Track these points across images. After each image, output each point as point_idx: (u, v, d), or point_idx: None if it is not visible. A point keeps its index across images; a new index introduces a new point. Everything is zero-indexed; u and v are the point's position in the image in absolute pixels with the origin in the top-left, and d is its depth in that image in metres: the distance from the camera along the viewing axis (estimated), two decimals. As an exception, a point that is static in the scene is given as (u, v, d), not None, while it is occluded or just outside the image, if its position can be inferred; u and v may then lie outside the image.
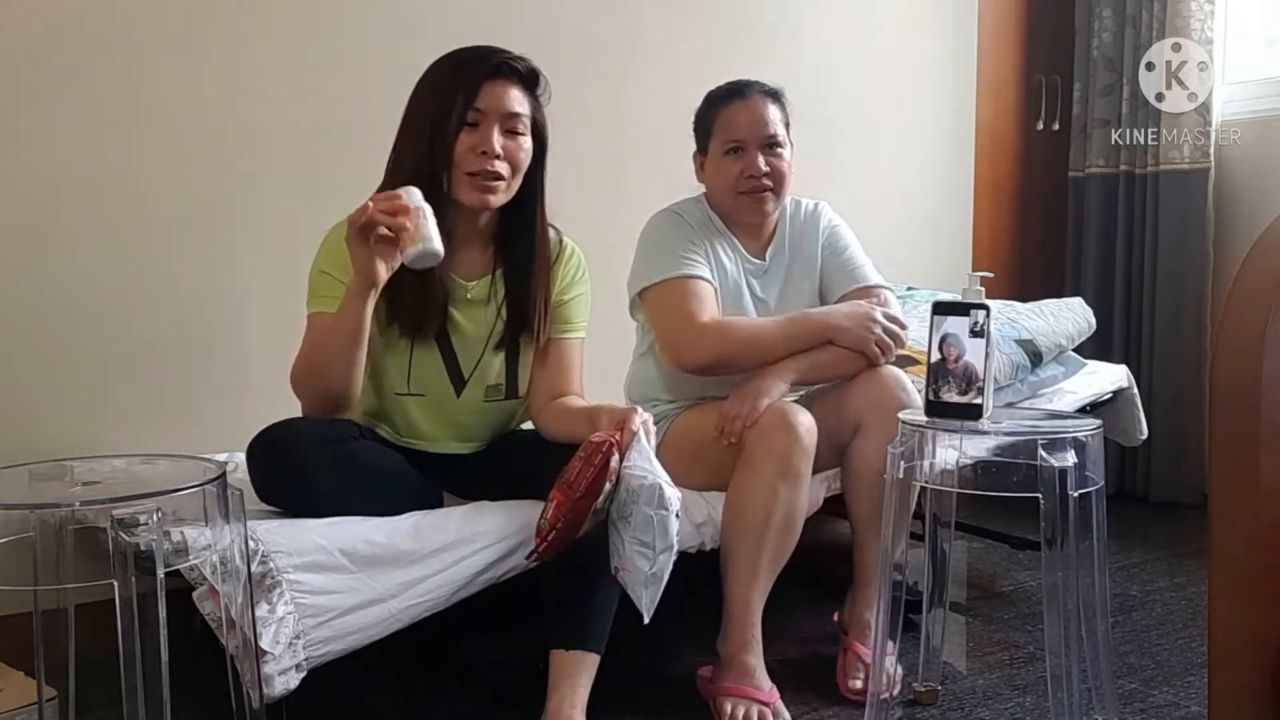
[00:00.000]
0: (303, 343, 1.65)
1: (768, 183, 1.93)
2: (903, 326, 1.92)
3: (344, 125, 2.23)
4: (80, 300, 2.00)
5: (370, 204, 1.48)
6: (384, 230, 1.48)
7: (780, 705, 1.67)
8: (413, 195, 1.51)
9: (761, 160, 1.92)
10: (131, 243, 2.05)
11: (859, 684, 1.79)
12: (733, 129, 1.95)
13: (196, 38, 2.09)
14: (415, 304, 1.68)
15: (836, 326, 1.88)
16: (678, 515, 1.51)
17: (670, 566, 1.51)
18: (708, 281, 1.92)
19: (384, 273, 1.52)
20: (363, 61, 2.27)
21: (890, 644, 1.80)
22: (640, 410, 1.62)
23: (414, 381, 1.73)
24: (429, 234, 1.50)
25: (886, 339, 1.87)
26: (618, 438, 1.51)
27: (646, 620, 1.51)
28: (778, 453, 1.72)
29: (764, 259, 2.02)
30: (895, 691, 1.76)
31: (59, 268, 1.98)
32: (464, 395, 1.76)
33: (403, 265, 1.54)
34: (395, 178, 1.66)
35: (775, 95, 1.99)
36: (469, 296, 1.74)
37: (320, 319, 1.64)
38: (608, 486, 1.48)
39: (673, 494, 1.50)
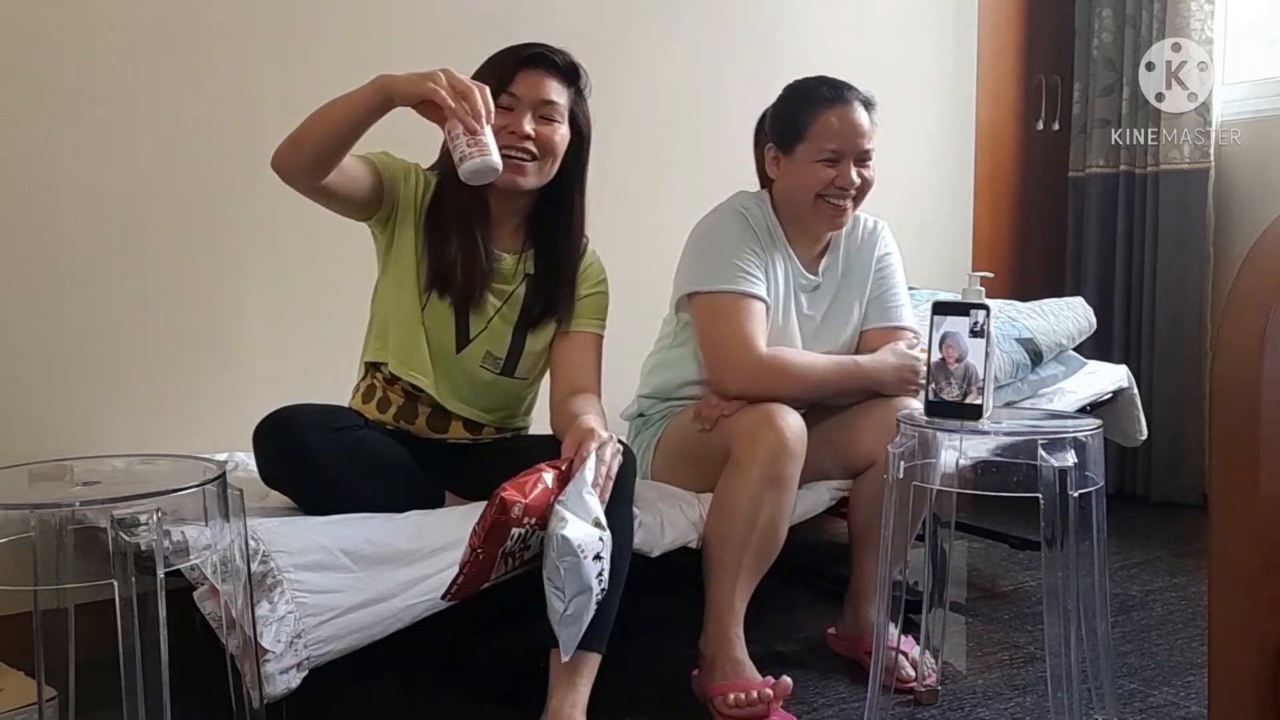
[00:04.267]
0: None
1: (852, 194, 1.91)
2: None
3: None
4: (80, 300, 2.00)
5: (466, 88, 1.48)
6: (449, 106, 1.47)
7: (770, 688, 1.65)
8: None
9: (854, 172, 1.89)
10: (131, 243, 2.04)
11: (908, 673, 1.79)
12: (833, 137, 1.88)
13: (196, 37, 2.09)
14: (464, 276, 1.73)
15: (883, 381, 1.90)
16: (599, 557, 1.45)
17: (592, 607, 1.46)
18: (763, 301, 1.89)
19: (398, 98, 1.50)
20: (362, 61, 2.26)
21: (908, 639, 1.82)
22: (600, 436, 1.58)
23: (423, 324, 1.76)
24: (491, 146, 1.49)
25: (921, 385, 1.88)
26: (508, 494, 1.42)
27: (565, 659, 1.48)
28: (764, 458, 1.72)
29: (817, 274, 1.99)
30: (931, 680, 1.79)
31: (59, 268, 1.98)
32: (463, 353, 1.78)
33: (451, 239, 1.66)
34: (440, 165, 1.75)
35: (870, 104, 1.93)
36: (497, 266, 1.78)
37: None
38: (517, 531, 1.44)
39: (583, 538, 1.43)
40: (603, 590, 1.48)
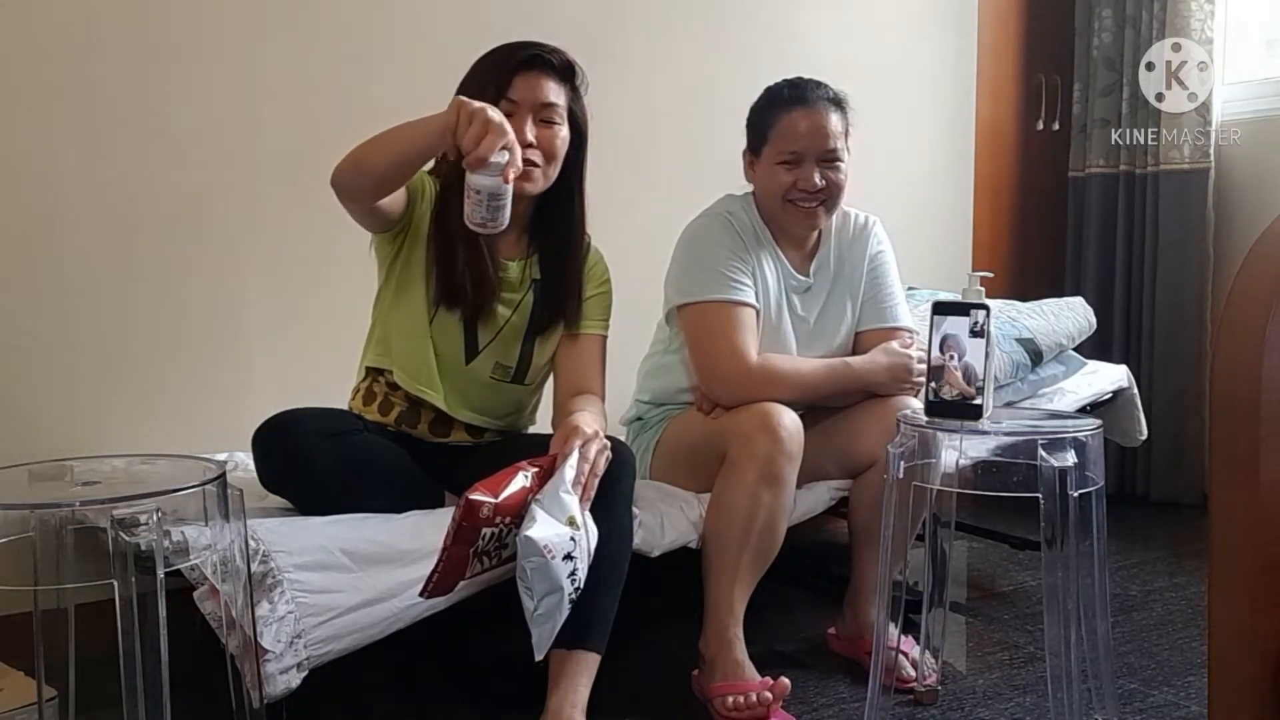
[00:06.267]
0: None
1: (820, 196, 1.89)
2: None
3: (345, 124, 2.21)
4: (80, 300, 2.00)
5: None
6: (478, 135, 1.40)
7: (769, 690, 1.65)
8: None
9: (817, 175, 1.86)
10: (131, 243, 2.04)
11: (908, 673, 1.79)
12: (791, 139, 1.87)
13: (197, 37, 2.09)
14: (473, 290, 1.70)
15: (876, 382, 1.90)
16: (570, 557, 1.43)
17: (565, 607, 1.44)
18: (753, 307, 1.89)
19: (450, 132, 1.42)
20: (364, 59, 2.27)
21: (908, 639, 1.82)
22: (584, 434, 1.56)
23: (431, 337, 1.74)
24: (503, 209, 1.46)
25: (918, 386, 1.88)
26: (476, 495, 1.41)
27: (537, 658, 1.47)
28: (761, 458, 1.72)
29: (808, 275, 1.98)
30: (931, 680, 1.79)
31: (59, 268, 1.98)
32: (473, 365, 1.77)
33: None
34: (438, 170, 1.73)
35: (839, 102, 1.91)
36: (503, 276, 1.77)
37: None
38: (489, 531, 1.43)
39: (551, 538, 1.41)
40: (576, 590, 1.45)
